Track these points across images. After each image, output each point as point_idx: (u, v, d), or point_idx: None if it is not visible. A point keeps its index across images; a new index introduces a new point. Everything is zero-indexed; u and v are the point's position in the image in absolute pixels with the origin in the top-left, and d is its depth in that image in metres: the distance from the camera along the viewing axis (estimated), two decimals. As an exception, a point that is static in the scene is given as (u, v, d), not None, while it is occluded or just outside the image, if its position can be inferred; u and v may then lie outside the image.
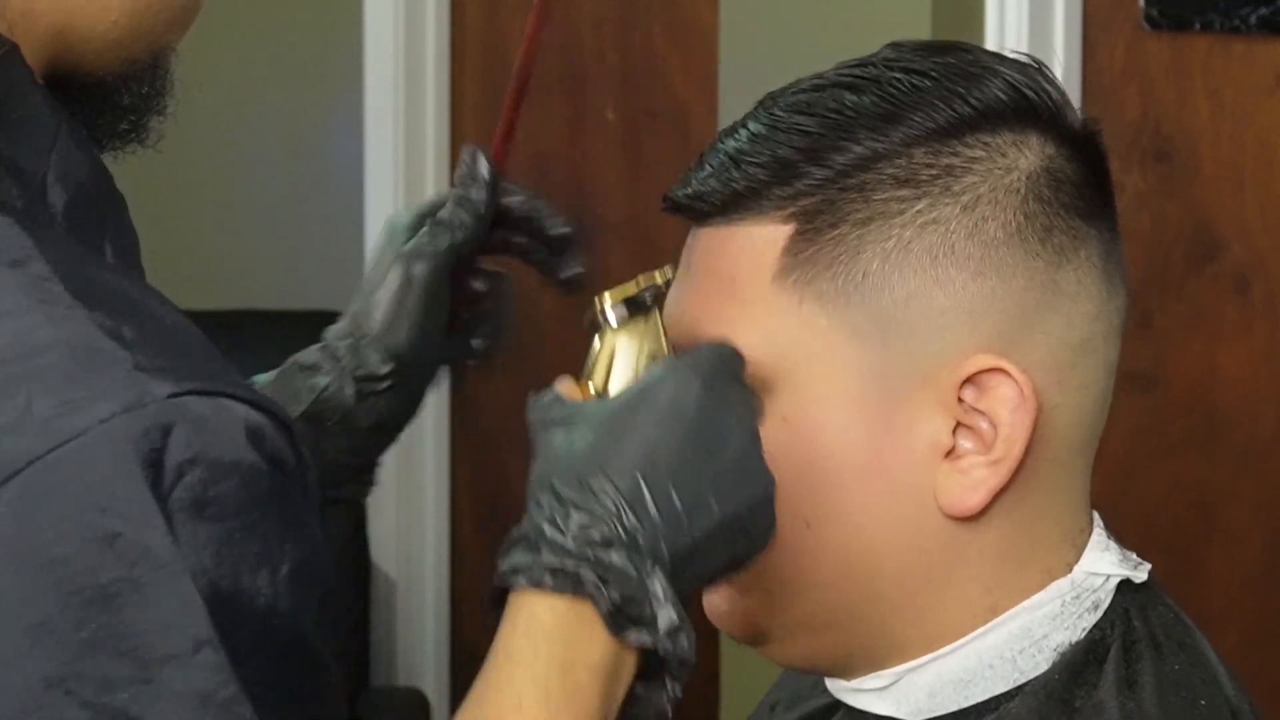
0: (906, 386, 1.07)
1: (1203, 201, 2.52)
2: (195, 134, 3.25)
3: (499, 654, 0.96)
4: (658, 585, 0.96)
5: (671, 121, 3.13)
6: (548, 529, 0.96)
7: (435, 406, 3.36)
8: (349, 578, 3.12)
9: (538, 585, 0.96)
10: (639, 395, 1.01)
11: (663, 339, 1.10)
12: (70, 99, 0.98)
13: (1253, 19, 2.45)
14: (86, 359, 0.88)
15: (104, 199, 0.97)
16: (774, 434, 1.08)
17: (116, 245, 0.97)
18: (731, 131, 1.13)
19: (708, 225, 1.12)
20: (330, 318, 3.83)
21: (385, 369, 1.27)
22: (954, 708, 1.09)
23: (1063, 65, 2.55)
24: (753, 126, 1.12)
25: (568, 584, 0.96)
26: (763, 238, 1.09)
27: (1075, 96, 2.55)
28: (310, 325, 3.58)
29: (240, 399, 0.89)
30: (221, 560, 0.86)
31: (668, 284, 1.12)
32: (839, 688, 1.14)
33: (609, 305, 1.09)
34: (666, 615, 0.97)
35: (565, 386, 1.06)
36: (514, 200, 1.31)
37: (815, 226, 1.08)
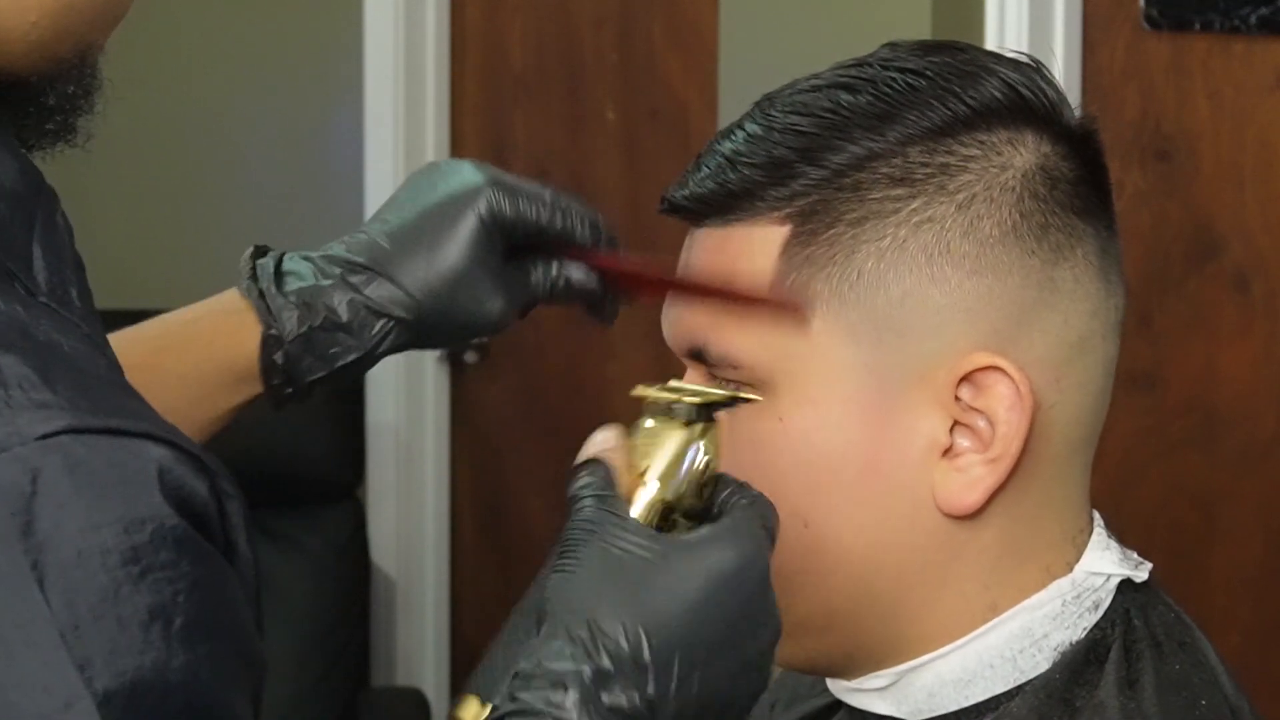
0: (903, 385, 1.07)
1: (1203, 201, 2.52)
2: (195, 134, 3.25)
3: None
4: None
5: (671, 121, 3.13)
6: (564, 690, 0.91)
7: (435, 406, 3.36)
8: (349, 578, 3.12)
9: None
10: (703, 561, 0.95)
11: (718, 455, 1.03)
12: None
13: (1253, 19, 2.45)
14: None
15: (30, 199, 0.93)
16: (771, 434, 1.08)
17: (45, 244, 0.92)
18: (728, 133, 1.13)
19: (705, 226, 1.12)
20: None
21: (401, 313, 1.22)
22: (954, 707, 1.09)
23: (1063, 65, 2.55)
24: (749, 128, 1.12)
25: None
26: (759, 238, 1.09)
27: (1075, 96, 2.55)
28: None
29: (136, 434, 0.83)
30: (104, 615, 0.80)
31: (743, 401, 1.06)
32: (839, 687, 1.14)
33: (686, 398, 1.02)
34: None
35: (617, 460, 0.99)
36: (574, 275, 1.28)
37: (811, 227, 1.08)
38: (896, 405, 1.07)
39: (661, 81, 3.16)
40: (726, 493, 1.01)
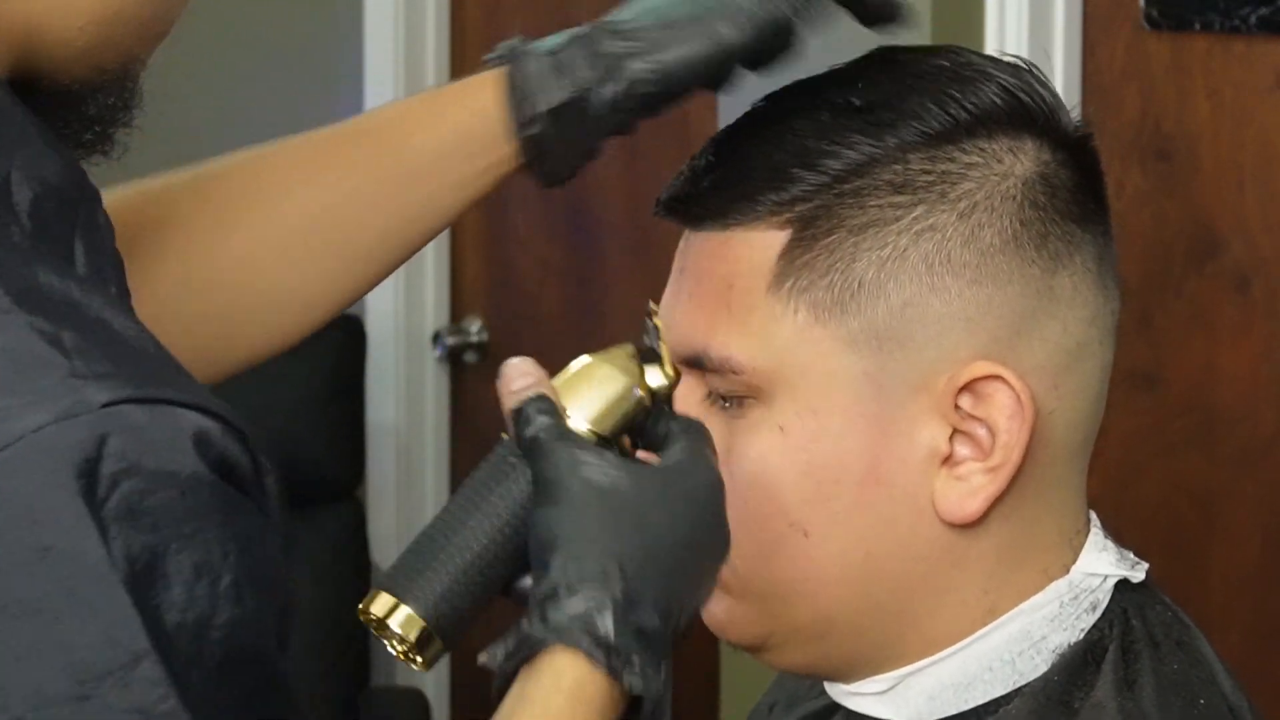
0: (903, 394, 1.07)
1: (1203, 201, 2.52)
2: (195, 134, 3.25)
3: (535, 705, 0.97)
4: (668, 691, 1.00)
5: (671, 121, 3.12)
6: (598, 614, 0.98)
7: (435, 406, 3.36)
8: (349, 578, 3.12)
9: (591, 657, 0.97)
10: (686, 484, 1.03)
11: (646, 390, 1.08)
12: (37, 105, 0.96)
13: (1253, 19, 2.45)
14: (21, 365, 0.85)
15: (74, 197, 0.95)
16: (769, 443, 1.08)
17: (87, 241, 0.95)
18: (725, 134, 1.12)
19: (702, 230, 1.12)
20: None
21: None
22: (953, 710, 1.09)
23: (1063, 65, 2.55)
24: (746, 129, 1.11)
25: (619, 666, 0.97)
26: (758, 243, 1.09)
27: (1075, 96, 2.54)
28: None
29: (187, 405, 0.87)
30: (155, 571, 0.84)
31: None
32: (838, 691, 1.14)
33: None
34: (668, 701, 1.00)
35: (551, 393, 1.05)
36: None
37: (811, 233, 1.08)
38: (897, 414, 1.07)
39: (661, 81, 3.15)
40: (664, 421, 1.07)
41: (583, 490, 1.00)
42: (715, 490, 1.03)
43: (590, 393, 1.06)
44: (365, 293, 1.24)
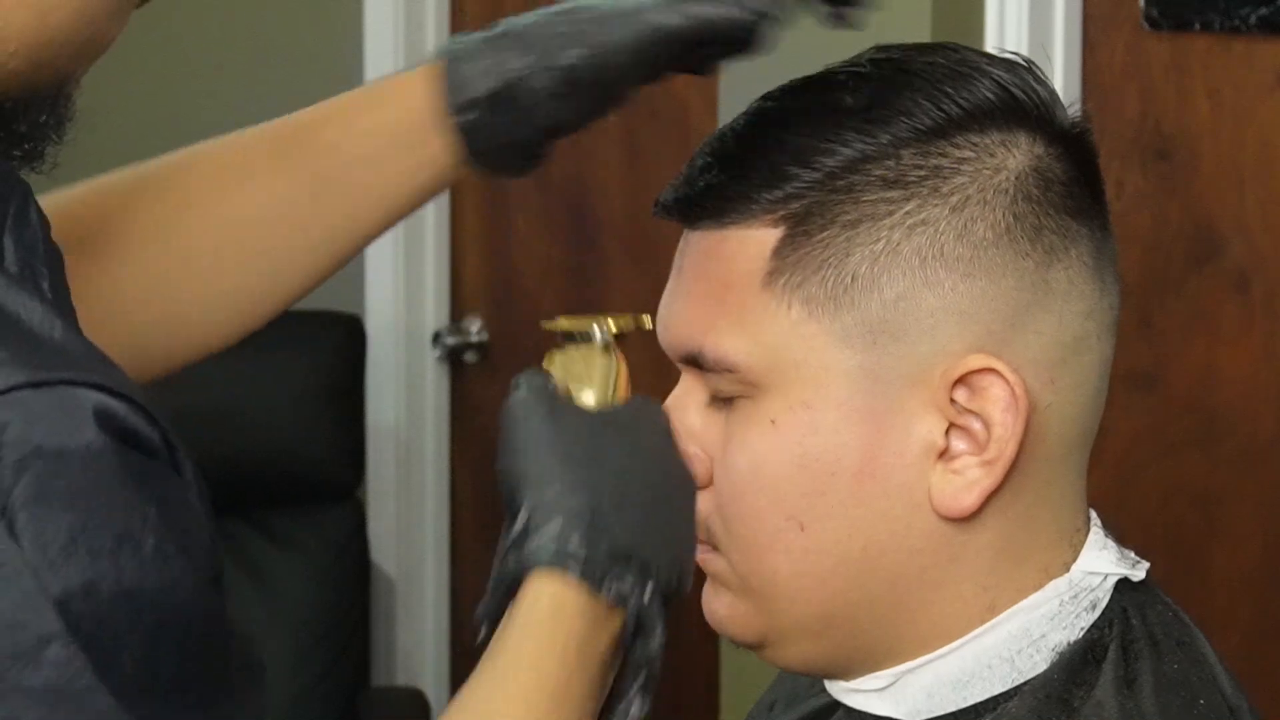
0: (897, 389, 1.07)
1: (1203, 201, 2.52)
2: (195, 134, 3.25)
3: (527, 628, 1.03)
4: (655, 604, 1.08)
5: (671, 121, 3.12)
6: (569, 534, 1.06)
7: (435, 406, 3.36)
8: (349, 578, 3.12)
9: (566, 570, 1.05)
10: (630, 426, 1.12)
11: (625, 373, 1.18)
12: None
13: (1253, 19, 2.45)
14: None
15: (4, 194, 0.95)
16: (764, 437, 1.08)
17: (16, 236, 0.95)
18: (721, 135, 1.13)
19: (699, 229, 1.12)
20: (331, 317, 3.82)
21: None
22: (952, 708, 1.09)
23: (1063, 65, 2.55)
24: (741, 129, 1.12)
25: (594, 576, 1.05)
26: (753, 241, 1.09)
27: (1075, 96, 2.54)
28: (311, 325, 3.58)
29: (88, 385, 0.87)
30: (75, 548, 0.84)
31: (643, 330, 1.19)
32: (838, 688, 1.14)
33: (599, 325, 1.18)
34: (659, 632, 1.09)
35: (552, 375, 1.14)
36: None
37: (804, 229, 1.08)
38: (891, 408, 1.07)
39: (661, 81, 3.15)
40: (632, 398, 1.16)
41: (539, 435, 1.08)
42: (667, 430, 1.10)
43: (591, 372, 1.15)
44: (309, 291, 1.26)
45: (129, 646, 0.85)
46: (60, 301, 0.96)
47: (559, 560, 1.04)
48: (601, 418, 1.12)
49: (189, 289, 1.21)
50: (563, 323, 1.16)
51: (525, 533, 1.06)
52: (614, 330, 1.17)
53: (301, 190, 1.20)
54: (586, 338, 1.15)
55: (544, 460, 1.08)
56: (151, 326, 1.21)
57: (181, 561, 0.87)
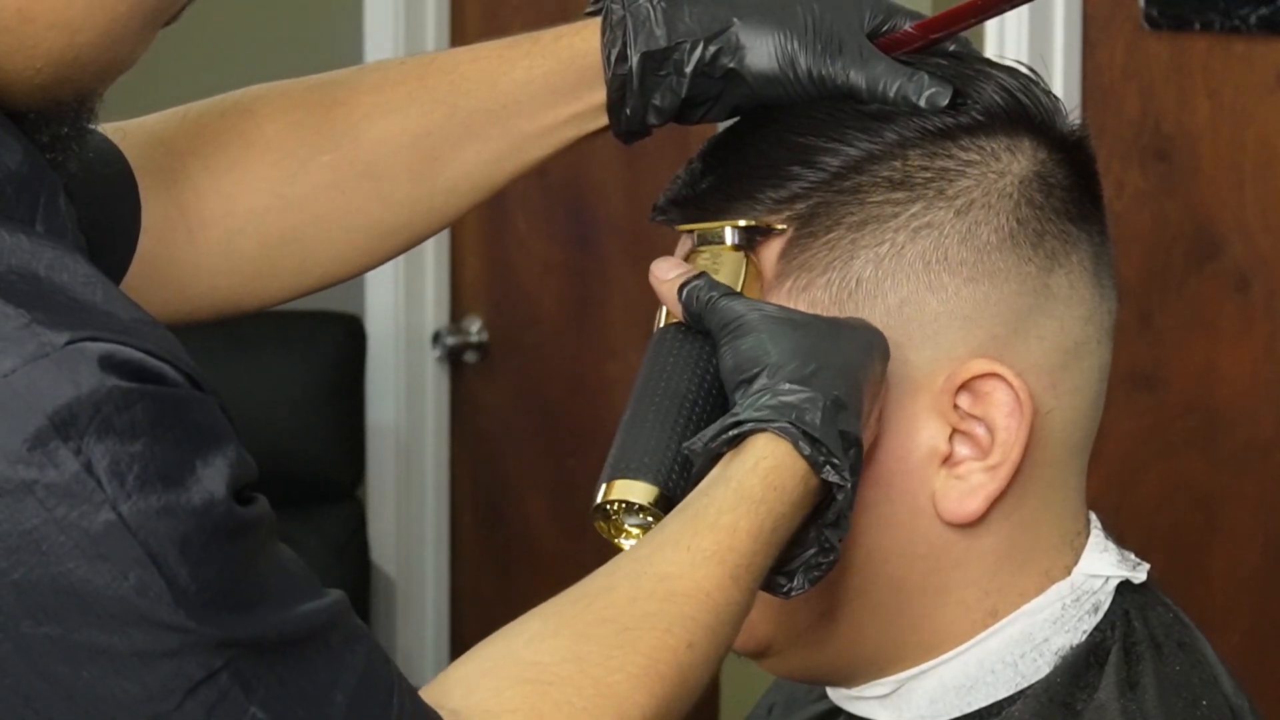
0: (901, 394, 1.07)
1: (1203, 201, 2.52)
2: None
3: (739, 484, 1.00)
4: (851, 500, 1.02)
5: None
6: (810, 407, 1.00)
7: (435, 406, 3.36)
8: (349, 578, 3.12)
9: (795, 444, 1.00)
10: (844, 321, 1.06)
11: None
12: None
13: (1253, 19, 2.45)
14: None
15: (34, 183, 0.97)
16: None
17: (47, 227, 0.96)
18: (724, 137, 1.12)
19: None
20: (331, 317, 3.82)
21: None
22: (956, 714, 1.09)
23: (1063, 65, 2.55)
24: (745, 130, 1.11)
25: (820, 459, 1.00)
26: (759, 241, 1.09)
27: (1075, 97, 2.54)
28: (311, 325, 3.57)
29: (131, 345, 0.89)
30: (148, 475, 0.87)
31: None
32: (840, 695, 1.14)
33: (730, 224, 1.11)
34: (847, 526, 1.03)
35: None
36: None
37: (810, 230, 1.08)
38: (895, 414, 1.07)
39: (661, 81, 3.15)
40: None
41: (776, 323, 1.03)
42: (885, 349, 1.06)
43: (723, 270, 1.09)
44: (440, 230, 1.25)
45: (218, 550, 0.88)
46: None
47: (793, 431, 1.00)
48: (835, 319, 1.06)
49: (331, 212, 1.21)
50: (695, 227, 1.11)
51: (765, 390, 1.01)
52: (744, 225, 1.11)
53: (466, 119, 1.19)
54: (719, 238, 1.11)
55: (781, 342, 1.03)
56: (284, 248, 1.21)
57: (239, 476, 0.90)
